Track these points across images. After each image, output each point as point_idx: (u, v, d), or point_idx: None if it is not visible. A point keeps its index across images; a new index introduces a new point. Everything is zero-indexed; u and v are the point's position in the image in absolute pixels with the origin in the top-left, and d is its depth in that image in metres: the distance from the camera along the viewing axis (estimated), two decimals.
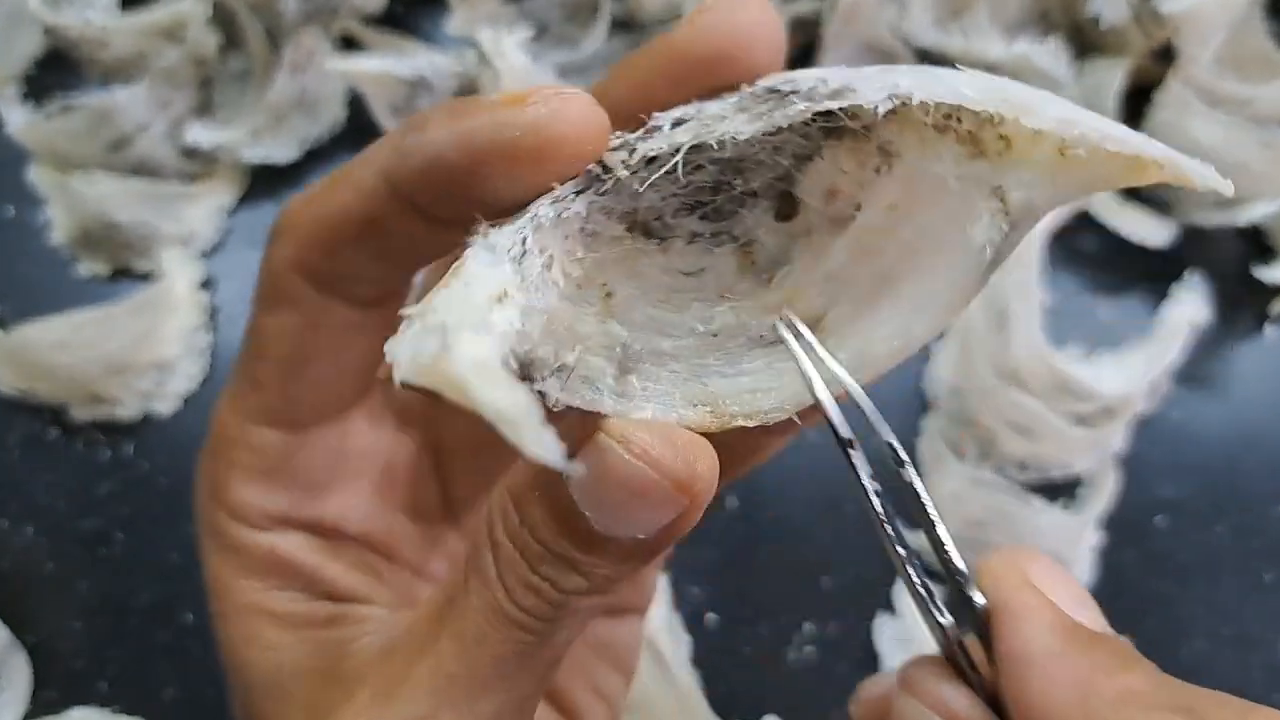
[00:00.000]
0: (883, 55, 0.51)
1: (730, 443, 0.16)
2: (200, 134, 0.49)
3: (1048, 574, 0.17)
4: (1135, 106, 0.49)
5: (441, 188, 0.16)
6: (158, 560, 0.43)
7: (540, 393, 0.14)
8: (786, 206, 0.17)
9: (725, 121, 0.16)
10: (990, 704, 0.16)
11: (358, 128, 0.51)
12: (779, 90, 0.16)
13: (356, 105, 0.51)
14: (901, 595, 0.43)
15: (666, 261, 0.17)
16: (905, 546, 0.16)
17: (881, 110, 0.15)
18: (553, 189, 0.15)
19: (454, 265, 0.14)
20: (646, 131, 0.16)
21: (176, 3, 0.49)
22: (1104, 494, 0.44)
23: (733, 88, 0.17)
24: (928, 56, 0.52)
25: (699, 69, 0.16)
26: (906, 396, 0.46)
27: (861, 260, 0.16)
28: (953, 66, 0.15)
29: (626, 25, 0.52)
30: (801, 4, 0.51)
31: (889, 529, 0.16)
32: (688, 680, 0.40)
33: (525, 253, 0.15)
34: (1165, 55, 0.49)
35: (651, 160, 0.16)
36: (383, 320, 0.19)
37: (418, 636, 0.17)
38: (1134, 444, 0.45)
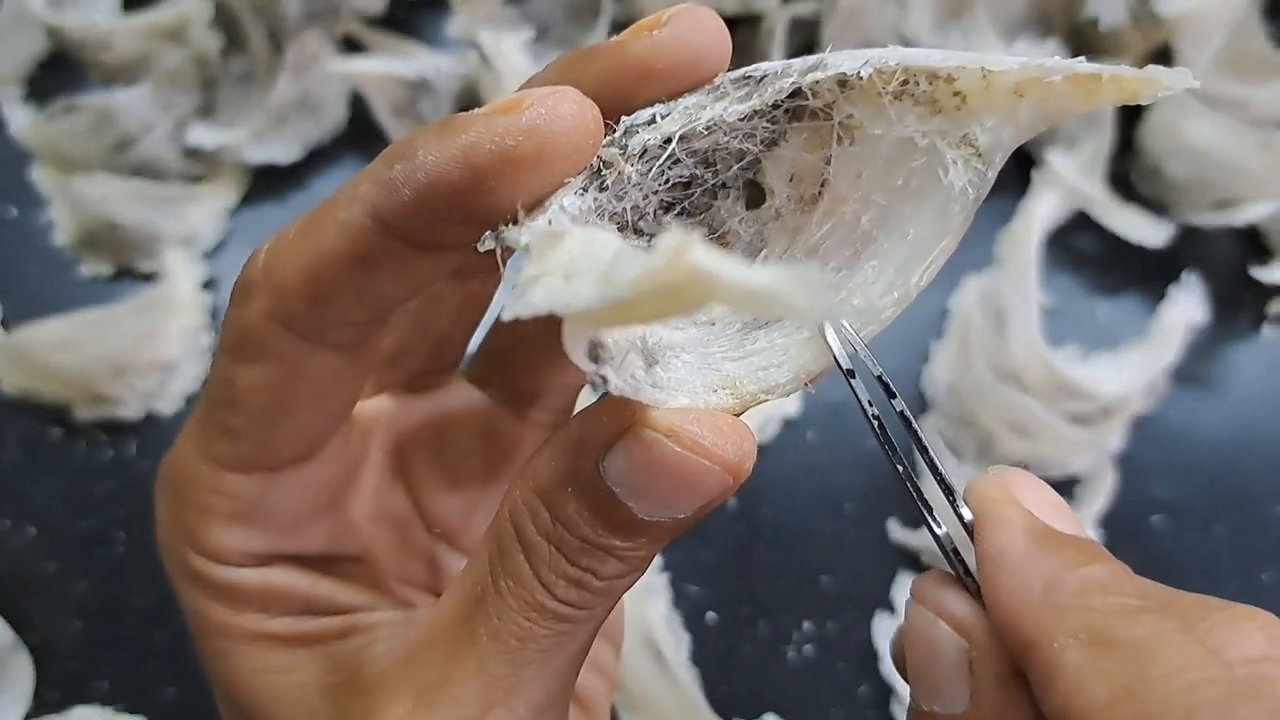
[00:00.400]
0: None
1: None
2: (203, 135, 0.49)
3: (1029, 487, 0.17)
4: (1133, 108, 0.49)
5: (441, 212, 0.15)
6: (158, 560, 0.43)
7: (603, 377, 0.15)
8: (754, 194, 0.18)
9: (706, 110, 0.16)
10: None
11: (359, 129, 0.52)
12: (751, 76, 0.17)
13: (358, 106, 0.51)
14: (901, 594, 0.43)
15: None
16: (904, 463, 0.17)
17: (865, 75, 0.16)
18: (566, 184, 0.16)
19: (540, 239, 0.14)
20: (625, 131, 0.17)
21: (179, 4, 0.49)
22: (1102, 494, 0.44)
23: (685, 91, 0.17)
24: None
25: (652, 80, 0.17)
26: (905, 396, 0.46)
27: (839, 230, 0.17)
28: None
29: (627, 26, 0.52)
30: (802, 5, 0.51)
31: (889, 449, 0.17)
32: (687, 679, 0.41)
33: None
34: (1163, 57, 0.49)
35: (643, 153, 0.16)
36: (361, 363, 0.19)
37: (446, 639, 0.17)
38: (1132, 444, 0.45)
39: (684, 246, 0.10)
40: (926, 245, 0.17)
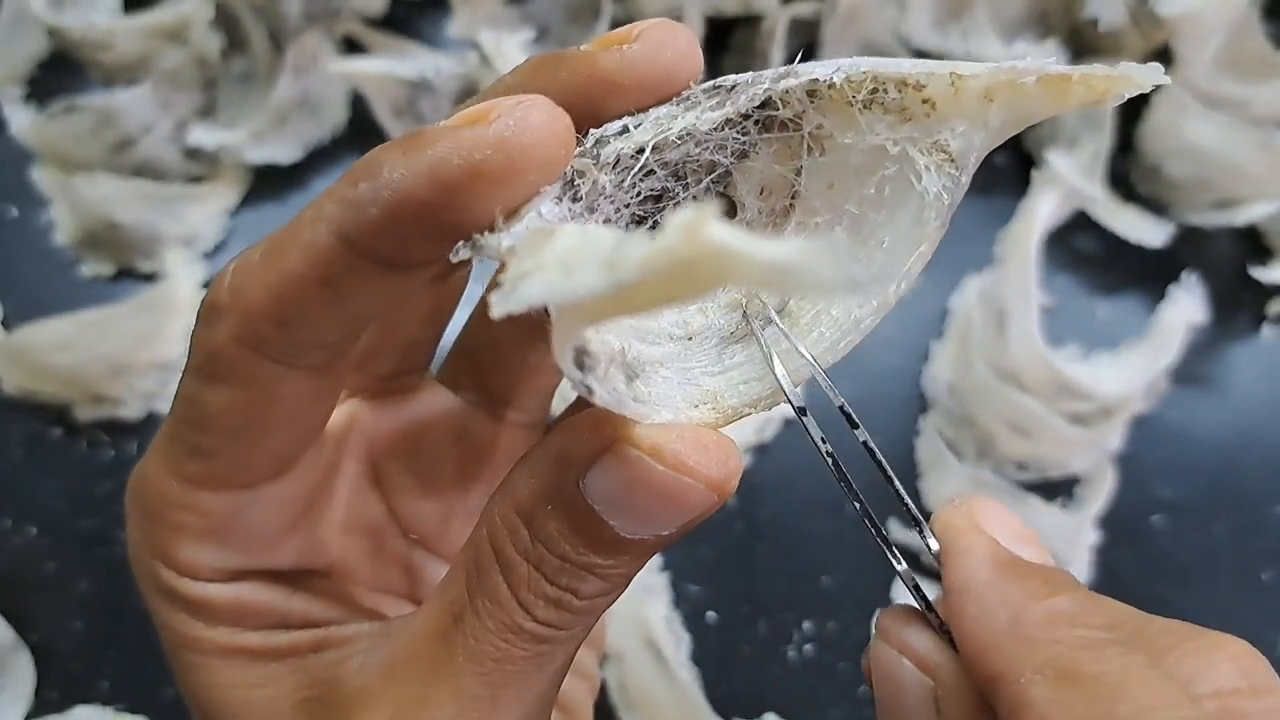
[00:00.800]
0: (881, 56, 0.52)
1: None
2: (203, 135, 0.49)
3: (994, 516, 0.17)
4: (1133, 108, 0.49)
5: (409, 229, 0.15)
6: None
7: (588, 387, 0.14)
8: (725, 208, 0.18)
9: (678, 120, 0.16)
10: (952, 643, 0.16)
11: (360, 129, 0.52)
12: (721, 86, 0.17)
13: (359, 107, 0.51)
14: (901, 593, 0.43)
15: None
16: (861, 500, 0.17)
17: (838, 80, 0.16)
18: (541, 193, 0.15)
19: (532, 236, 0.13)
20: (597, 142, 0.16)
21: (179, 4, 0.49)
22: (1102, 494, 0.44)
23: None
24: (927, 58, 0.52)
25: (620, 94, 0.16)
26: (905, 397, 0.47)
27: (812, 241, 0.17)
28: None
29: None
30: (801, 5, 0.51)
31: (845, 486, 0.17)
32: (687, 679, 0.41)
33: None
34: (1163, 57, 0.49)
35: (616, 163, 0.16)
36: (334, 381, 0.18)
37: (423, 657, 0.17)
38: (1132, 444, 0.45)
39: (700, 220, 0.10)
40: (903, 253, 0.16)
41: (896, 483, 0.17)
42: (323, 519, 0.21)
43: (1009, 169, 0.50)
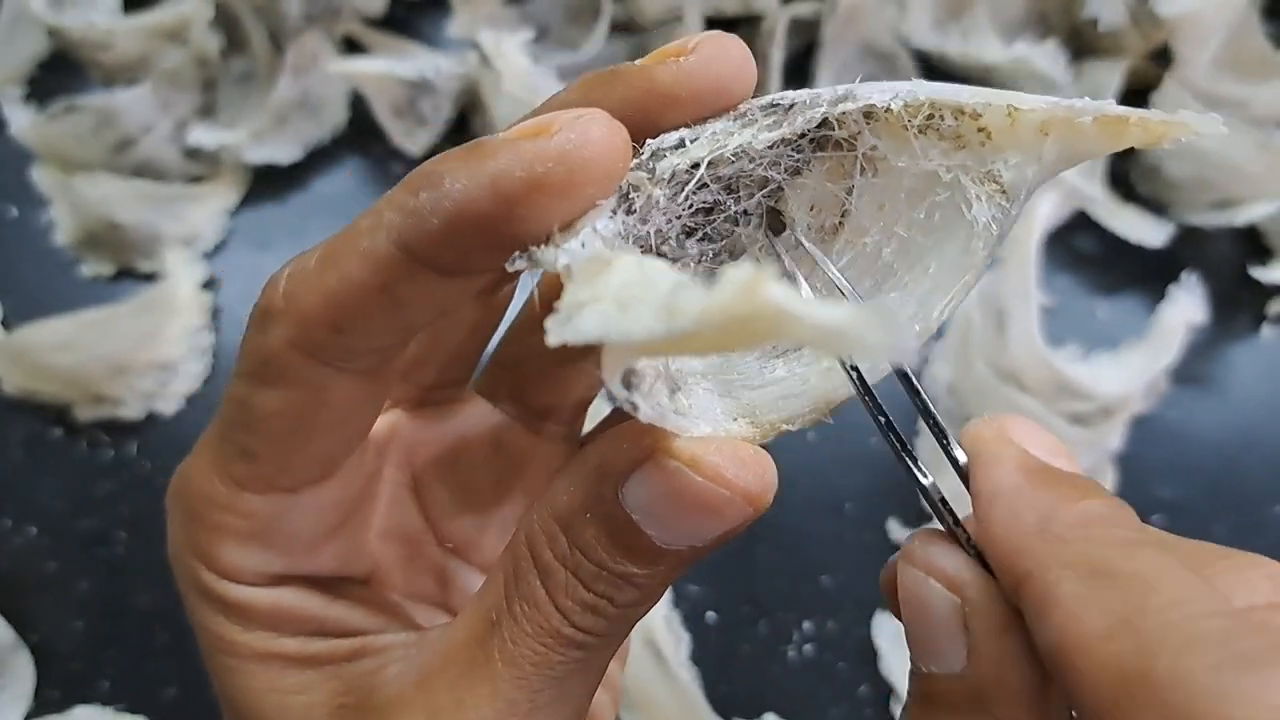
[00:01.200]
0: (882, 57, 0.52)
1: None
2: (203, 135, 0.49)
3: (1025, 429, 0.17)
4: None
5: (470, 239, 0.15)
6: (160, 560, 0.43)
7: (634, 404, 0.15)
8: (775, 222, 0.18)
9: (734, 137, 0.16)
10: (983, 564, 0.16)
11: (360, 129, 0.52)
12: (779, 104, 0.17)
13: (359, 107, 0.51)
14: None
15: None
16: (886, 416, 0.17)
17: (895, 108, 0.16)
18: (597, 206, 0.15)
19: (589, 264, 0.14)
20: (653, 154, 0.16)
21: (179, 5, 0.49)
22: None
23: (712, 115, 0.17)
24: (926, 58, 0.52)
25: (677, 106, 0.17)
26: (905, 396, 0.47)
27: (860, 260, 0.17)
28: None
29: (627, 27, 0.52)
30: (801, 5, 0.51)
31: (869, 401, 0.17)
32: (687, 678, 0.41)
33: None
34: (1163, 57, 0.49)
35: (671, 177, 0.16)
36: (382, 386, 0.19)
37: (460, 663, 0.17)
38: (1131, 444, 0.45)
39: (757, 280, 0.10)
40: (949, 280, 0.16)
41: (925, 395, 0.17)
42: (363, 526, 0.22)
43: None
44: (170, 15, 0.49)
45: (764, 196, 0.18)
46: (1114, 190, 0.49)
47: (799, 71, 0.51)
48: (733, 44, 0.16)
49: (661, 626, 0.41)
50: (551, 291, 0.16)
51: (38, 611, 0.43)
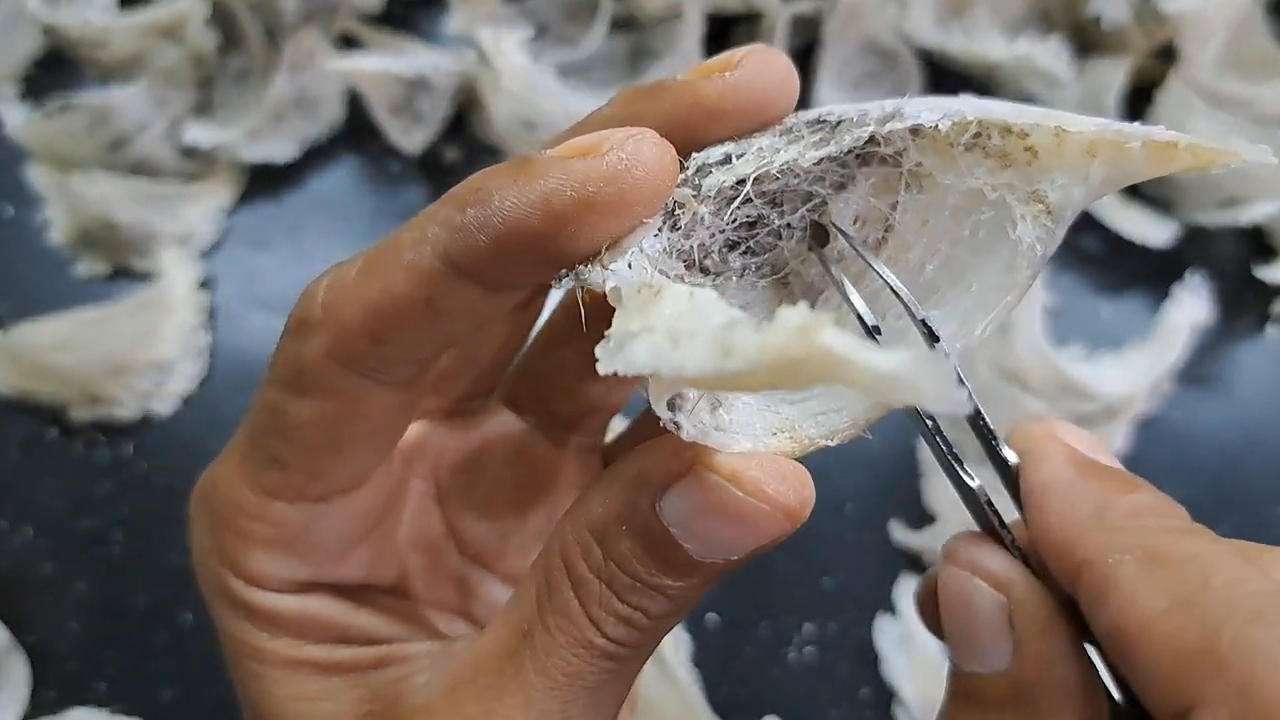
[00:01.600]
0: (883, 54, 0.51)
1: None
2: (199, 133, 0.49)
3: (1069, 431, 0.18)
4: (1136, 106, 0.49)
5: (518, 256, 0.15)
6: (157, 561, 0.43)
7: (677, 424, 0.15)
8: (818, 235, 0.18)
9: (781, 153, 0.16)
10: (1026, 563, 0.17)
11: (357, 127, 0.51)
12: (826, 121, 0.17)
13: (356, 105, 0.51)
14: (902, 595, 0.43)
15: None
16: (933, 418, 0.17)
17: (943, 128, 0.16)
18: (644, 224, 0.16)
19: (641, 292, 0.14)
20: (698, 170, 0.16)
21: (175, 2, 0.49)
22: None
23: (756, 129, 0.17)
24: (928, 55, 0.52)
25: (722, 121, 0.17)
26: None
27: (903, 276, 0.17)
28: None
29: (626, 25, 0.52)
30: (802, 3, 0.51)
31: (919, 414, 0.17)
32: (688, 680, 0.40)
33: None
34: (1166, 55, 0.49)
35: (716, 194, 0.16)
36: (415, 397, 0.19)
37: (491, 673, 0.17)
38: (1136, 444, 0.45)
39: (814, 326, 0.10)
40: (991, 298, 0.16)
41: (974, 397, 0.17)
42: (390, 535, 0.22)
43: None
44: (166, 13, 0.49)
45: (808, 210, 0.18)
46: (1119, 190, 0.49)
47: (800, 69, 0.51)
48: (777, 58, 0.17)
49: None
50: (589, 307, 0.16)
51: (34, 612, 0.43)
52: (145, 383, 0.46)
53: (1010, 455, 0.17)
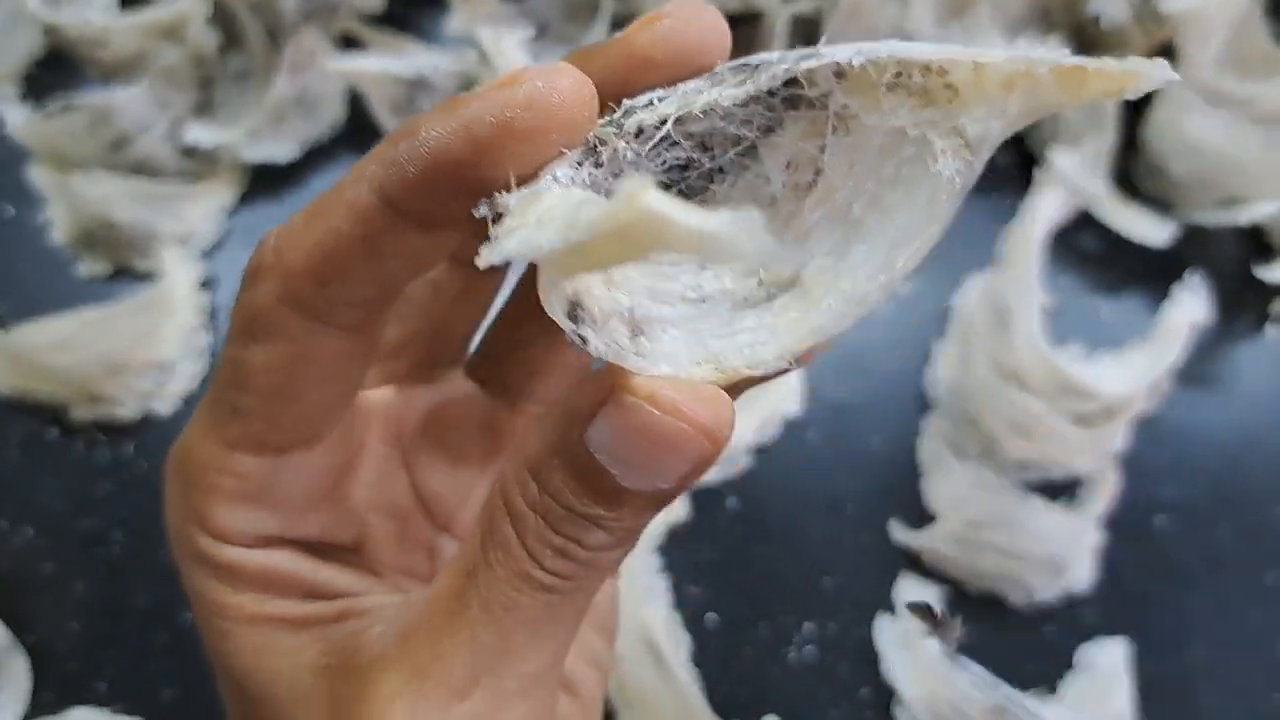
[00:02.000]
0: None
1: None
2: (200, 133, 0.49)
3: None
4: (1137, 106, 0.49)
5: (444, 185, 0.16)
6: (157, 560, 0.43)
7: (582, 337, 0.15)
8: (752, 180, 0.19)
9: (703, 94, 0.17)
10: None
11: (358, 127, 0.51)
12: (748, 64, 0.17)
13: (357, 105, 0.51)
14: (902, 595, 0.43)
15: None
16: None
17: (857, 63, 0.16)
18: (561, 155, 0.16)
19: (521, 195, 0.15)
20: (625, 112, 0.17)
21: (176, 2, 0.49)
22: (1105, 494, 0.44)
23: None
24: None
25: (654, 69, 0.17)
26: (907, 397, 0.46)
27: (831, 217, 0.18)
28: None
29: (626, 24, 0.52)
30: (802, 3, 0.51)
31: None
32: (687, 680, 0.40)
33: None
34: (1166, 54, 0.49)
35: (639, 133, 0.17)
36: (366, 345, 0.19)
37: (440, 616, 0.18)
38: (1135, 444, 0.45)
39: (639, 190, 0.11)
40: (913, 231, 0.17)
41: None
42: (351, 494, 0.22)
43: (1012, 168, 0.50)
44: (167, 13, 0.49)
45: (738, 154, 0.18)
46: (1117, 189, 0.49)
47: None
48: (704, 8, 0.17)
49: (661, 628, 0.41)
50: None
51: (34, 612, 0.43)
52: (146, 382, 0.46)
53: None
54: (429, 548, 0.24)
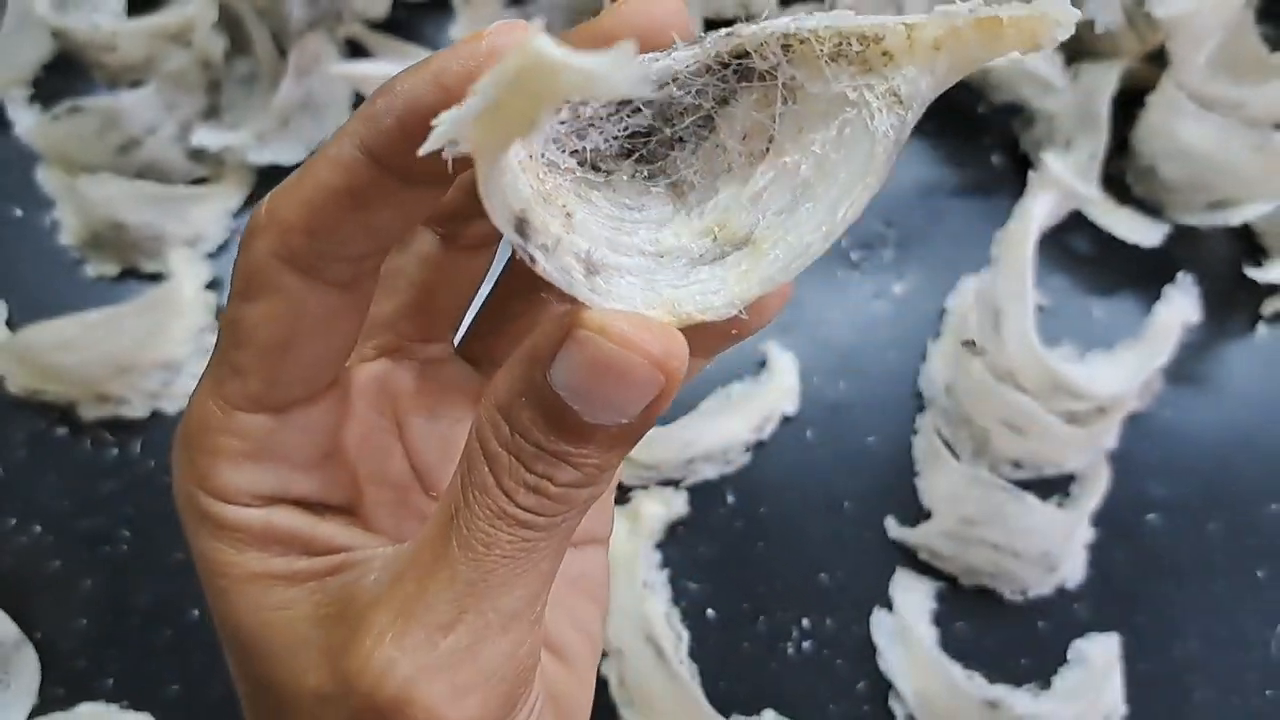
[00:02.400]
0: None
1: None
2: (207, 136, 0.49)
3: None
4: (1129, 109, 0.50)
5: (419, 135, 0.16)
6: (163, 558, 0.44)
7: (530, 255, 0.16)
8: (711, 149, 0.20)
9: (658, 63, 0.18)
10: None
11: None
12: (701, 37, 0.19)
13: None
14: (899, 591, 0.43)
15: (614, 195, 0.19)
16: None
17: (793, 30, 0.18)
18: None
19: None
20: None
21: (183, 7, 0.50)
22: (1096, 492, 0.45)
23: None
24: None
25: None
26: (902, 396, 0.47)
27: (781, 180, 0.19)
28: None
29: None
30: (799, 8, 0.52)
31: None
32: (686, 675, 0.41)
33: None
34: (1159, 58, 0.49)
35: None
36: (357, 302, 0.20)
37: (426, 556, 0.18)
38: (1126, 442, 0.46)
39: (531, 38, 0.12)
40: (853, 184, 0.18)
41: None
42: (348, 459, 0.23)
43: (1005, 170, 0.51)
44: (174, 17, 0.50)
45: (696, 124, 0.19)
46: (1109, 191, 0.49)
47: None
48: None
49: (661, 623, 0.42)
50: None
51: (42, 609, 0.43)
52: (153, 382, 0.46)
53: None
54: (426, 518, 0.24)
